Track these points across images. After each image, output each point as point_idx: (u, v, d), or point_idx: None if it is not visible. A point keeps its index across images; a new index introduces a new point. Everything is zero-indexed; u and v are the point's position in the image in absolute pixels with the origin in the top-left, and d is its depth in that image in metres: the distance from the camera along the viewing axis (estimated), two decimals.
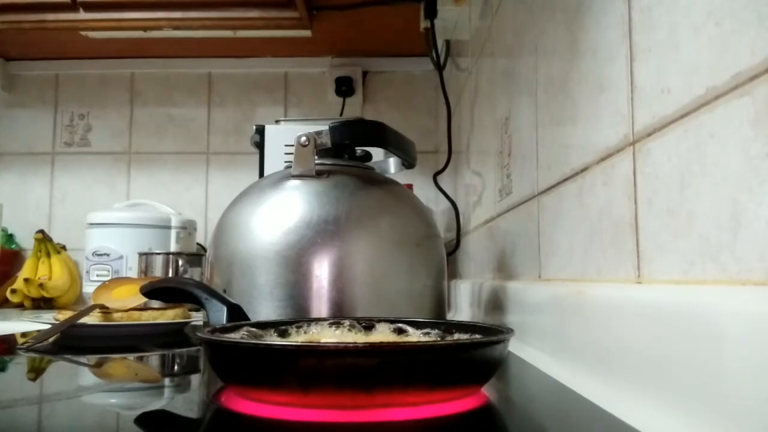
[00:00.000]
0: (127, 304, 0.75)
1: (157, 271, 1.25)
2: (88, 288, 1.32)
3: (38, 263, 1.43)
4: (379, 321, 0.48)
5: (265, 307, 0.59)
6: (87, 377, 0.53)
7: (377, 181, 0.70)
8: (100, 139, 1.66)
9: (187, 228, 1.43)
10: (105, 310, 0.74)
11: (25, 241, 1.57)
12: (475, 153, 1.02)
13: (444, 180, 1.17)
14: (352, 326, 0.48)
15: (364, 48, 1.58)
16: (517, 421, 0.35)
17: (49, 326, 0.70)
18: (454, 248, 1.11)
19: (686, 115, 0.32)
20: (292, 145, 0.66)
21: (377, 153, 0.80)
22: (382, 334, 0.47)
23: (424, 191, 1.32)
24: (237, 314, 0.52)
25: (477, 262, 0.99)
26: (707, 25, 0.30)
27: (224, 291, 0.60)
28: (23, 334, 0.76)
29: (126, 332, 0.74)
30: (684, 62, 0.33)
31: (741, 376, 0.24)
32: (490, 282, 0.80)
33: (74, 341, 0.70)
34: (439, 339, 0.45)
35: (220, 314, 0.52)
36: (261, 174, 1.05)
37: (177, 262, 1.26)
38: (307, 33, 1.43)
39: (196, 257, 1.29)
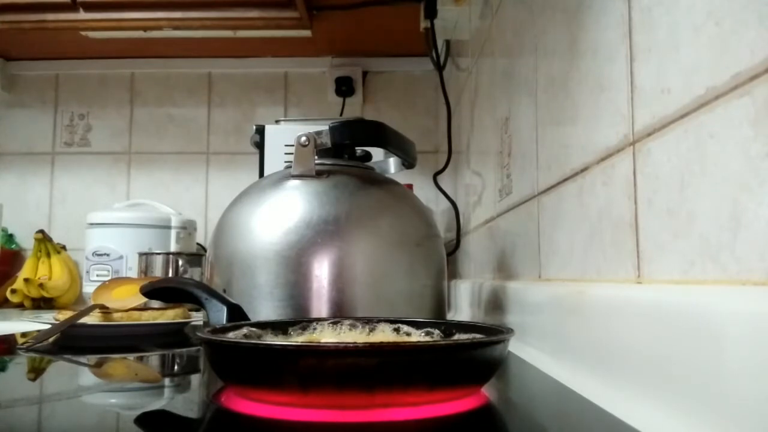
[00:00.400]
0: (127, 304, 0.75)
1: (157, 271, 1.25)
2: (88, 288, 1.32)
3: (38, 263, 1.43)
4: (379, 321, 0.48)
5: (265, 307, 0.59)
6: (87, 377, 0.53)
7: (377, 181, 0.70)
8: (100, 139, 1.66)
9: (187, 228, 1.43)
10: (105, 310, 0.74)
11: (25, 241, 1.57)
12: (475, 153, 1.02)
13: (444, 180, 1.17)
14: (352, 326, 0.48)
15: (364, 48, 1.58)
16: (517, 421, 0.35)
17: (49, 326, 0.70)
18: (454, 248, 1.11)
19: (686, 115, 0.32)
20: (292, 145, 0.66)
21: (377, 153, 0.80)
22: (382, 334, 0.47)
23: (424, 191, 1.32)
24: (237, 314, 0.52)
25: (477, 262, 0.99)
26: (707, 25, 0.30)
27: (224, 291, 0.60)
28: (23, 334, 0.76)
29: (126, 332, 0.74)
30: (684, 62, 0.33)
31: (741, 376, 0.24)
32: (490, 282, 0.80)
33: (74, 341, 0.70)
34: (439, 339, 0.45)
35: (220, 314, 0.52)
36: (261, 174, 1.05)
37: (177, 262, 1.26)
38: (307, 33, 1.43)
39: (196, 257, 1.29)
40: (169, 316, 0.79)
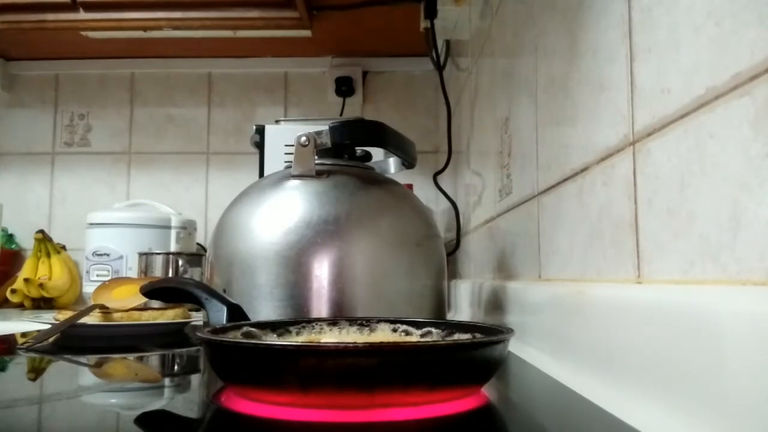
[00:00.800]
0: (127, 304, 0.75)
1: (157, 271, 1.25)
2: (88, 288, 1.32)
3: (38, 263, 1.43)
4: (379, 321, 0.48)
5: (265, 307, 0.59)
6: (87, 377, 0.53)
7: (377, 181, 0.70)
8: (100, 139, 1.66)
9: (187, 228, 1.43)
10: (105, 310, 0.74)
11: (25, 241, 1.57)
12: (475, 153, 1.02)
13: (444, 180, 1.17)
14: (352, 326, 0.48)
15: (364, 48, 1.58)
16: (517, 421, 0.35)
17: (49, 326, 0.70)
18: (454, 248, 1.11)
19: (686, 115, 0.32)
20: (292, 145, 0.66)
21: (377, 153, 0.80)
22: (383, 334, 0.47)
23: (424, 191, 1.32)
24: (237, 314, 0.52)
25: (477, 262, 0.99)
26: (707, 25, 0.30)
27: (224, 291, 0.60)
28: (23, 334, 0.76)
29: (126, 332, 0.74)
30: (684, 62, 0.33)
31: (741, 376, 0.24)
32: (490, 282, 0.80)
33: (74, 341, 0.70)
34: (439, 339, 0.45)
35: (220, 314, 0.52)
36: (261, 174, 1.05)
37: (177, 262, 1.26)
38: (307, 33, 1.43)
39: (196, 257, 1.29)
40: (169, 316, 0.79)
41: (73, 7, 1.26)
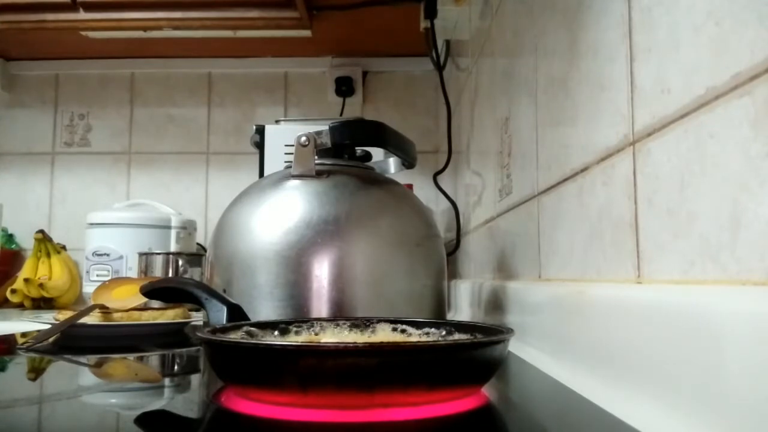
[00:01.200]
0: (127, 304, 0.75)
1: (157, 271, 1.25)
2: (88, 288, 1.32)
3: (38, 263, 1.43)
4: (379, 321, 0.48)
5: (265, 307, 0.59)
6: (87, 377, 0.53)
7: (377, 181, 0.70)
8: (100, 139, 1.66)
9: (187, 228, 1.43)
10: (105, 310, 0.74)
11: (25, 241, 1.57)
12: (475, 153, 1.02)
13: (444, 180, 1.17)
14: (352, 326, 0.48)
15: (364, 48, 1.58)
16: (517, 421, 0.35)
17: (49, 326, 0.70)
18: (454, 248, 1.11)
19: (686, 115, 0.32)
20: (292, 145, 0.66)
21: (377, 153, 0.80)
22: (383, 334, 0.47)
23: (424, 191, 1.32)
24: (237, 314, 0.52)
25: (477, 262, 0.99)
26: (707, 25, 0.30)
27: (224, 291, 0.60)
28: (23, 334, 0.76)
29: (126, 332, 0.74)
30: (684, 62, 0.33)
31: (741, 376, 0.24)
32: (490, 282, 0.80)
33: (74, 341, 0.70)
34: (439, 339, 0.45)
35: (220, 314, 0.52)
36: (261, 174, 1.05)
37: (177, 262, 1.26)
38: (307, 33, 1.43)
39: (196, 257, 1.29)
40: (169, 316, 0.79)
41: (73, 7, 1.26)
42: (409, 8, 1.28)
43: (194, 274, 1.25)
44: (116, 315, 0.74)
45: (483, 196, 0.93)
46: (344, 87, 1.59)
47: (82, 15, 1.27)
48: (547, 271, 0.57)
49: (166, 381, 0.50)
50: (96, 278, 1.32)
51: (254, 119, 1.61)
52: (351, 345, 0.34)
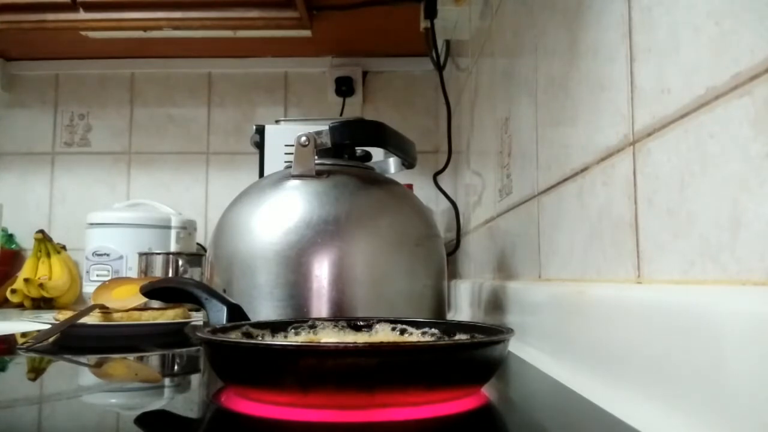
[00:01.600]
0: (127, 304, 0.75)
1: (157, 271, 1.25)
2: (88, 288, 1.32)
3: (38, 263, 1.43)
4: (379, 321, 0.48)
5: (265, 307, 0.59)
6: (87, 377, 0.53)
7: (377, 181, 0.70)
8: (100, 139, 1.66)
9: (187, 228, 1.43)
10: (105, 310, 0.74)
11: (25, 241, 1.57)
12: (475, 153, 1.02)
13: (444, 180, 1.17)
14: (352, 326, 0.48)
15: (364, 48, 1.58)
16: (517, 421, 0.35)
17: (49, 326, 0.70)
18: (454, 248, 1.11)
19: (686, 115, 0.32)
20: (292, 145, 0.66)
21: (377, 153, 0.80)
22: (383, 334, 0.47)
23: (424, 191, 1.32)
24: (237, 314, 0.52)
25: (477, 262, 0.99)
26: (707, 25, 0.30)
27: (224, 291, 0.60)
28: (23, 334, 0.76)
29: (126, 332, 0.74)
30: (684, 62, 0.33)
31: (741, 376, 0.24)
32: (490, 282, 0.80)
33: (74, 341, 0.70)
34: (439, 339, 0.45)
35: (220, 314, 0.52)
36: (261, 174, 1.05)
37: (177, 262, 1.26)
38: (307, 33, 1.43)
39: (196, 257, 1.29)
40: (169, 316, 0.79)
41: (73, 7, 1.26)
42: (409, 8, 1.28)
43: (194, 274, 1.25)
44: (116, 315, 0.74)
45: (483, 196, 0.93)
46: (344, 87, 1.59)
47: (82, 15, 1.27)
48: (547, 271, 0.57)
49: (166, 381, 0.50)
50: (96, 278, 1.32)
51: (254, 119, 1.61)
52: (351, 345, 0.34)
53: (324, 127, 0.66)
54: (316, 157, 0.66)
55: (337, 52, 1.60)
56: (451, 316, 1.00)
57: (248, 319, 0.53)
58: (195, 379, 0.50)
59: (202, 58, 1.64)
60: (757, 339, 0.23)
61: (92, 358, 0.62)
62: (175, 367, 0.58)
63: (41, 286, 1.36)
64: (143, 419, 0.34)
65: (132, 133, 1.66)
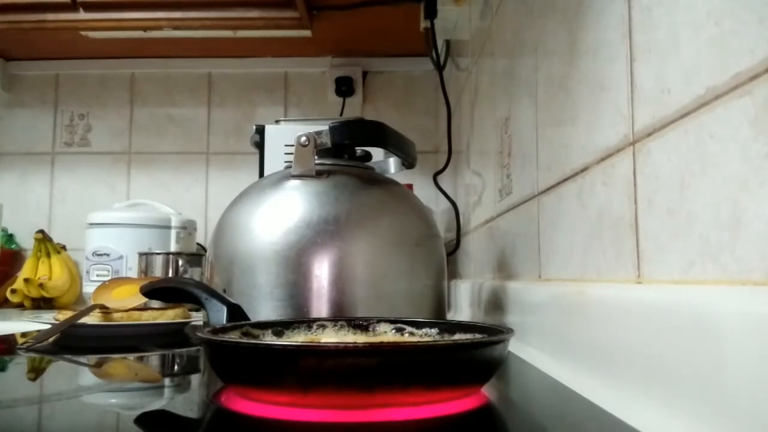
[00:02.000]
0: (127, 304, 0.75)
1: (157, 271, 1.25)
2: (88, 288, 1.32)
3: (38, 263, 1.43)
4: (379, 321, 0.48)
5: (265, 307, 0.59)
6: (87, 377, 0.53)
7: (377, 181, 0.70)
8: (100, 139, 1.66)
9: (187, 228, 1.43)
10: (105, 310, 0.74)
11: (25, 241, 1.57)
12: (475, 153, 1.02)
13: (444, 180, 1.17)
14: (352, 326, 0.48)
15: (364, 48, 1.58)
16: (517, 421, 0.35)
17: (49, 326, 0.70)
18: (454, 248, 1.11)
19: (686, 115, 0.32)
20: (292, 145, 0.66)
21: (377, 153, 0.80)
22: (383, 334, 0.47)
23: (424, 191, 1.32)
24: (237, 314, 0.52)
25: (477, 262, 0.99)
26: (707, 25, 0.30)
27: (224, 291, 0.60)
28: (23, 334, 0.76)
29: (126, 332, 0.74)
30: (684, 62, 0.33)
31: (741, 376, 0.24)
32: (490, 282, 0.80)
33: (74, 341, 0.70)
34: (439, 339, 0.45)
35: (220, 314, 0.52)
36: (261, 174, 1.05)
37: (177, 262, 1.26)
38: (307, 33, 1.43)
39: (196, 257, 1.29)
40: (169, 316, 0.79)
41: (73, 7, 1.26)
42: (409, 8, 1.28)
43: (194, 274, 1.25)
44: (116, 315, 0.74)
45: (483, 196, 0.93)
46: (344, 87, 1.59)
47: (82, 15, 1.27)
48: (547, 271, 0.57)
49: (166, 381, 0.50)
50: (96, 278, 1.32)
51: (254, 119, 1.61)
52: (351, 345, 0.34)
53: (324, 127, 0.66)
54: (316, 157, 0.66)
55: (337, 52, 1.60)
56: (451, 316, 1.00)
57: (248, 319, 0.53)
58: (195, 379, 0.50)
59: (202, 58, 1.64)
60: (757, 339, 0.23)
61: (92, 358, 0.62)
62: (175, 367, 0.58)
63: (41, 286, 1.36)
64: (143, 419, 0.34)
65: (132, 133, 1.66)
